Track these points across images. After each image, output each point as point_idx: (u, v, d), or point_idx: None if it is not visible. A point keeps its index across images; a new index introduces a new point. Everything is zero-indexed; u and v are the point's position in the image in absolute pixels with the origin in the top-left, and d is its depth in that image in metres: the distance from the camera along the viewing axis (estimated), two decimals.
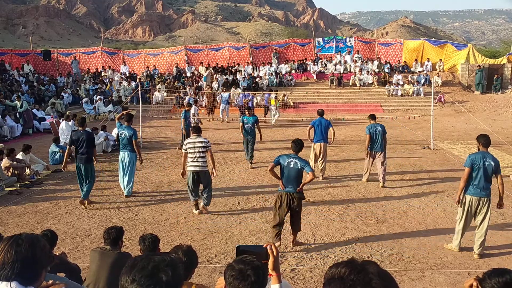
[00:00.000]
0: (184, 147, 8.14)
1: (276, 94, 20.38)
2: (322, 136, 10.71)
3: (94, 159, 8.77)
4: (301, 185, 6.49)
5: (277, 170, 6.64)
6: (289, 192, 6.48)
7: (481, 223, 6.29)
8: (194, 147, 7.98)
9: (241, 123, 12.33)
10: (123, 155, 9.28)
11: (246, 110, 12.83)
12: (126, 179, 9.25)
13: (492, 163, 6.16)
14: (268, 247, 2.15)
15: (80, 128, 8.72)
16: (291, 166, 6.43)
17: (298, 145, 6.61)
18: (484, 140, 6.35)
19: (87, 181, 8.62)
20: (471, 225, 6.46)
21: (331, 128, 10.79)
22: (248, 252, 2.13)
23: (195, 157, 7.97)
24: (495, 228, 7.35)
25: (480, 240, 6.28)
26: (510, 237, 6.99)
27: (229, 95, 21.24)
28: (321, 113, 11.00)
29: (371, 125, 10.19)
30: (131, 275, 1.57)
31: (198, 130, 8.29)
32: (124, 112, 10.60)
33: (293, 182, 6.46)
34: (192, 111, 15.77)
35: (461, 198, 6.35)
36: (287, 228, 7.51)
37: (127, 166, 9.23)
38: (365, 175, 10.38)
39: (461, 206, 6.34)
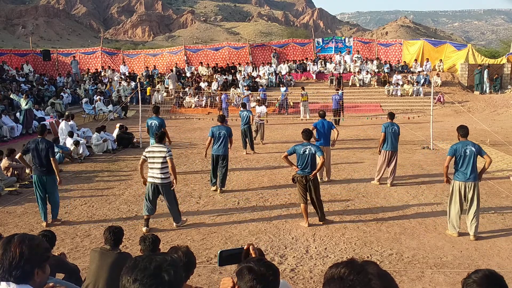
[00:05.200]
0: (143, 153, 7.51)
1: (306, 92, 21.49)
2: (326, 139, 10.15)
3: (55, 171, 7.68)
4: (314, 172, 7.41)
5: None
6: (305, 174, 7.41)
7: (470, 207, 6.91)
8: (153, 157, 7.30)
9: (209, 137, 9.48)
10: (154, 141, 9.91)
11: (218, 119, 9.83)
12: None
13: (473, 148, 6.84)
14: (251, 248, 2.15)
15: (39, 136, 7.77)
16: (306, 152, 7.38)
17: (307, 133, 7.63)
18: (462, 131, 7.01)
19: (52, 198, 7.71)
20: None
21: (334, 129, 10.26)
22: (232, 256, 2.12)
23: (154, 167, 7.31)
24: (495, 228, 7.37)
25: (474, 224, 6.87)
26: (509, 237, 7.00)
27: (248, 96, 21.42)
28: (322, 115, 10.51)
29: (388, 124, 10.00)
30: (133, 275, 1.55)
31: (161, 139, 7.60)
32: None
33: (308, 166, 7.38)
34: (258, 110, 15.58)
35: (449, 179, 7.09)
36: (284, 226, 7.52)
37: None
38: (377, 176, 10.05)
39: (451, 189, 7.04)
